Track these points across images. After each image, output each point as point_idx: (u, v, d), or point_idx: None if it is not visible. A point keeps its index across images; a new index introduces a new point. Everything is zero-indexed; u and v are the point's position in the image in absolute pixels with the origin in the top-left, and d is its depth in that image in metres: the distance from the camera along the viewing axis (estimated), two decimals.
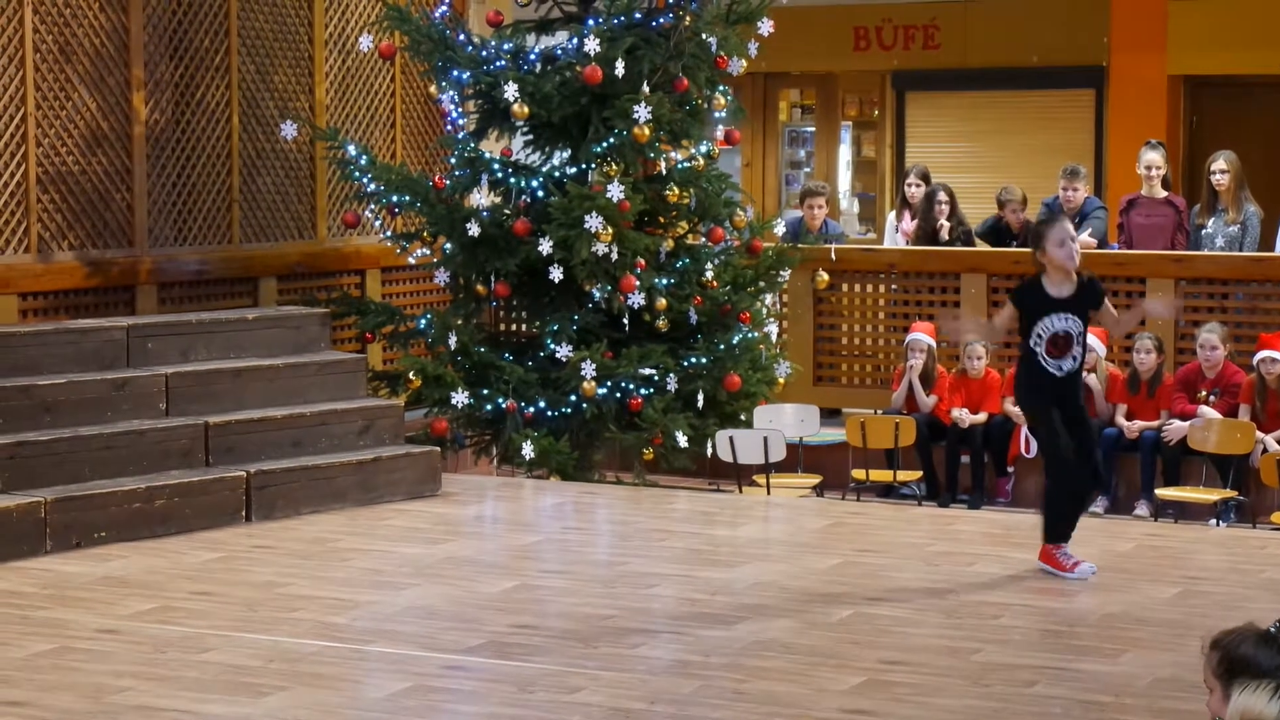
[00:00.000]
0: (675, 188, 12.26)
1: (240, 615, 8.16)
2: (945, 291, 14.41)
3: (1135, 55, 18.18)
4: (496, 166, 12.15)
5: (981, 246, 14.69)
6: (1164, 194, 14.19)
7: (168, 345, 10.93)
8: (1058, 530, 9.00)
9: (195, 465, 10.29)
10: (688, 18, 12.05)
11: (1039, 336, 8.88)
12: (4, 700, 6.82)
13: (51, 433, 9.90)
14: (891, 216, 15.90)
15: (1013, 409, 13.14)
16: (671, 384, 11.95)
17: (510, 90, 11.86)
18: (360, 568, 9.17)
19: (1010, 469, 13.43)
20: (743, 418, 12.52)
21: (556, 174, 12.14)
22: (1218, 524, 11.95)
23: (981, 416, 13.42)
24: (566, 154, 12.25)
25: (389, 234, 12.66)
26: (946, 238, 14.65)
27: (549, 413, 11.87)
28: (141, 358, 10.77)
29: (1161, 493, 12.54)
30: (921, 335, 13.68)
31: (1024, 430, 13.18)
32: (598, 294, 11.87)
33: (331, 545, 9.71)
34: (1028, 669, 7.35)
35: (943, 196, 14.80)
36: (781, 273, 12.79)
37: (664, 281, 12.04)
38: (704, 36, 12.12)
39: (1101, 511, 12.67)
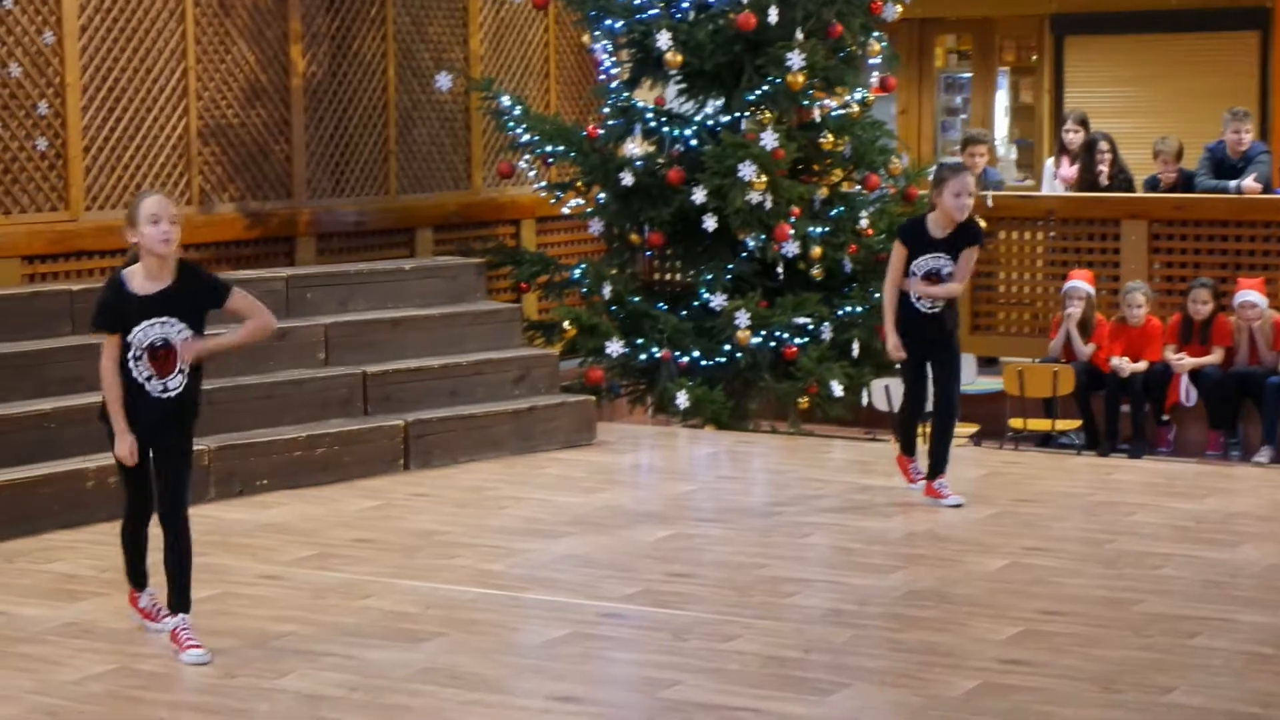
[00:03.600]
0: (830, 135, 12.17)
1: (398, 562, 8.24)
2: (1105, 239, 14.21)
3: None
4: (650, 115, 12.13)
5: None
6: None
7: (326, 295, 11.05)
8: (908, 443, 9.58)
9: (354, 414, 10.40)
10: None
11: (913, 274, 9.18)
12: (166, 645, 6.94)
13: (214, 382, 10.00)
14: (1050, 163, 15.68)
15: (1173, 356, 12.95)
16: (826, 333, 11.90)
17: (663, 38, 11.83)
18: (517, 516, 9.23)
19: (1166, 417, 13.24)
20: (898, 366, 12.42)
21: (710, 122, 12.10)
22: None
23: (1142, 364, 13.23)
24: (720, 102, 12.20)
25: (543, 184, 12.69)
26: (1106, 183, 14.44)
27: (703, 362, 11.86)
28: (301, 308, 10.89)
29: None
30: (1080, 283, 13.50)
31: (1184, 379, 13.00)
32: (752, 243, 11.83)
33: (488, 493, 9.78)
34: (1190, 620, 7.24)
35: (1104, 145, 14.58)
36: None
37: (818, 230, 11.97)
38: None
39: (1266, 461, 12.48)
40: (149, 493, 6.88)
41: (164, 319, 6.75)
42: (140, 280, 6.75)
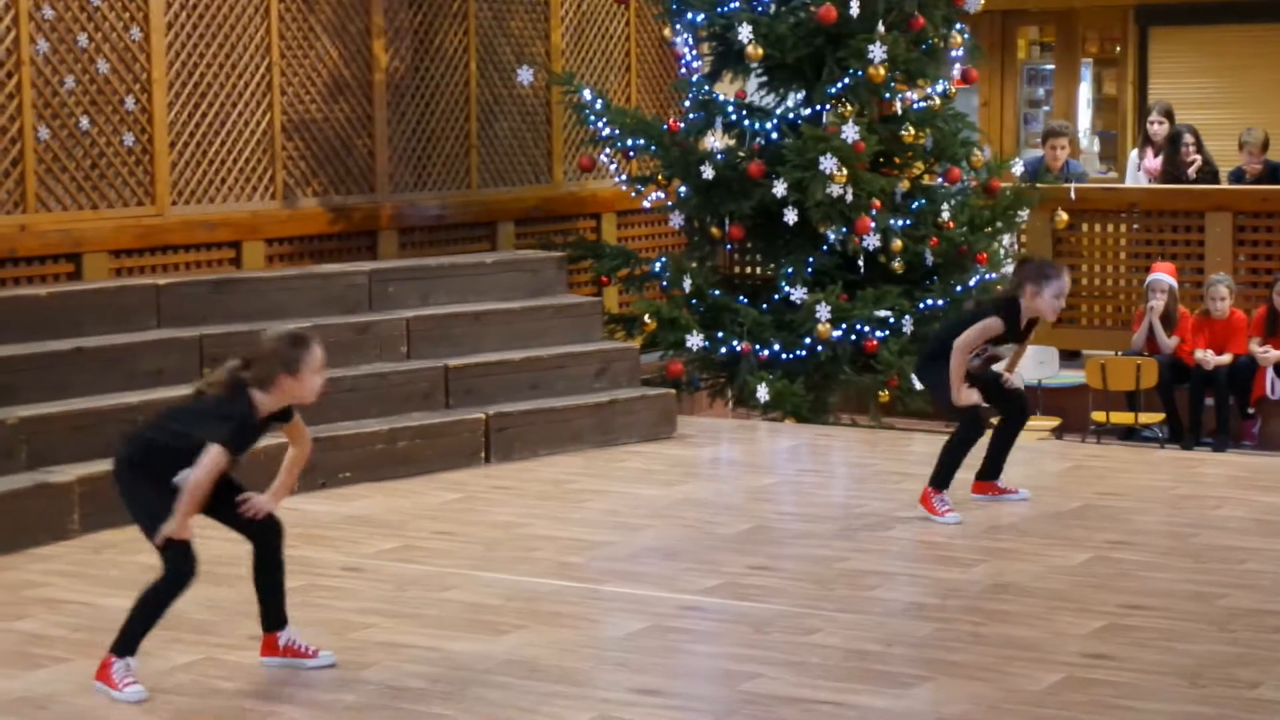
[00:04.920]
0: (911, 128, 12.12)
1: (480, 554, 8.28)
2: (1189, 230, 14.11)
3: None
4: (730, 109, 12.13)
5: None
6: None
7: (408, 289, 11.11)
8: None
9: (436, 407, 10.46)
10: None
11: (977, 355, 8.86)
12: (255, 634, 6.99)
13: None
14: (1134, 154, 15.59)
15: (1258, 349, 12.85)
16: (907, 326, 11.86)
17: (744, 32, 11.82)
18: (597, 509, 9.25)
19: (1251, 410, 13.14)
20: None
21: (791, 115, 12.09)
22: None
23: (1226, 358, 13.13)
24: (801, 95, 12.19)
25: (624, 178, 12.70)
26: (1193, 176, 14.34)
27: (784, 355, 11.85)
28: (383, 302, 10.95)
29: None
30: (1163, 275, 13.41)
31: (1269, 372, 12.89)
32: (832, 236, 11.81)
33: (569, 486, 9.81)
34: (1275, 615, 7.19)
35: (1189, 139, 14.48)
36: (1019, 213, 12.61)
37: (899, 223, 11.94)
38: None
39: None
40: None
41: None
42: (262, 410, 6.46)
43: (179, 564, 6.37)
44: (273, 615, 6.71)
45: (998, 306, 8.97)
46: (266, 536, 6.66)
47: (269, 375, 6.42)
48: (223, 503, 6.53)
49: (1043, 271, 8.87)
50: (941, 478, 8.92)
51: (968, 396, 8.78)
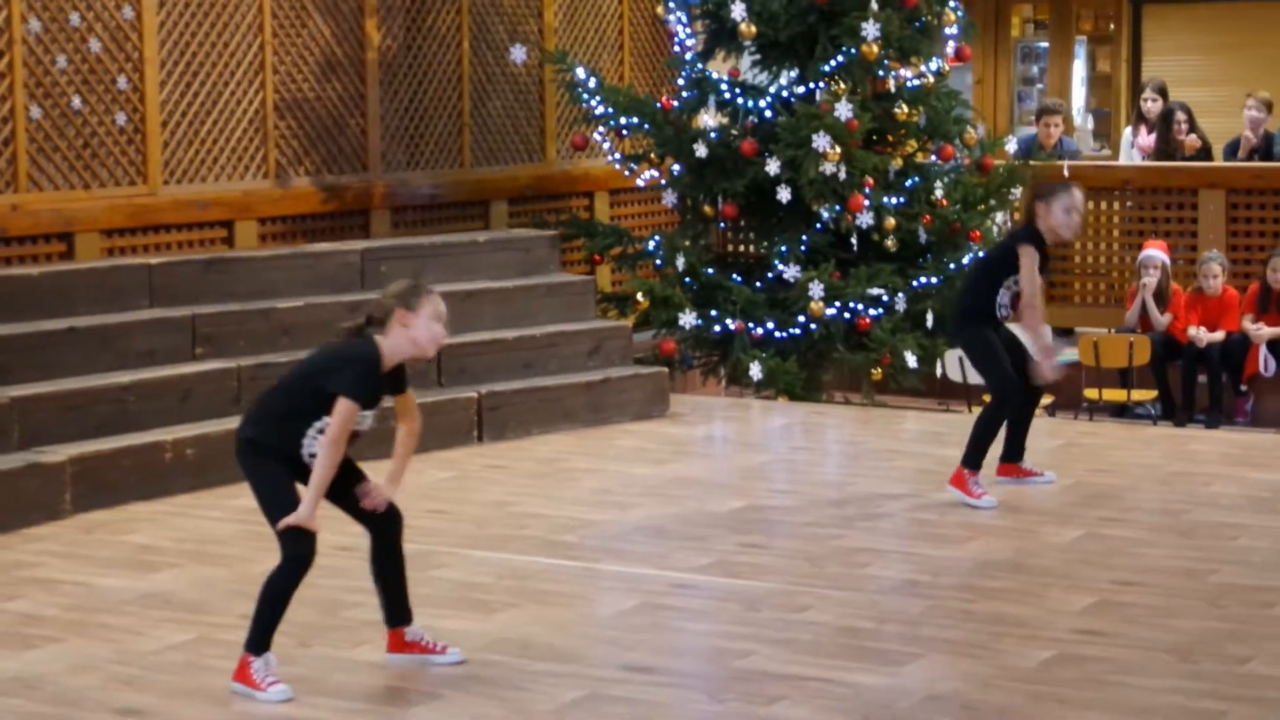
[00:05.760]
0: (904, 106, 12.12)
1: (472, 533, 8.29)
2: (1182, 208, 14.10)
3: None
4: (724, 87, 12.12)
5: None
6: None
7: (401, 268, 11.08)
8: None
9: (428, 386, 10.45)
10: None
11: (1008, 289, 8.72)
12: (247, 614, 6.97)
13: (290, 354, 10.09)
14: (1128, 132, 15.57)
15: (1251, 326, 12.85)
16: (900, 304, 11.86)
17: (738, 9, 11.81)
18: (589, 487, 9.26)
19: (1244, 387, 13.14)
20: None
21: (784, 93, 12.08)
22: None
23: (1219, 335, 13.13)
24: (794, 73, 12.18)
25: (617, 156, 12.69)
26: (1188, 154, 14.33)
27: (777, 333, 11.85)
28: (375, 280, 10.92)
29: None
30: (1156, 252, 13.41)
31: (1262, 349, 12.89)
32: (826, 214, 11.81)
33: (561, 465, 9.81)
34: (1266, 591, 7.20)
35: (1181, 115, 14.46)
36: (1013, 190, 12.61)
37: (893, 200, 11.94)
38: None
39: None
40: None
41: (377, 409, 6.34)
42: (385, 363, 6.24)
43: (298, 548, 6.16)
44: (397, 610, 6.48)
45: (1019, 237, 8.79)
46: (387, 526, 6.45)
47: (387, 313, 6.17)
48: (345, 489, 6.31)
49: (1048, 188, 8.81)
50: (975, 457, 8.68)
51: (1053, 353, 8.69)
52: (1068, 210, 8.69)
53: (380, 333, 6.23)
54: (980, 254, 9.21)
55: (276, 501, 6.19)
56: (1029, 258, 8.64)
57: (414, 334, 6.21)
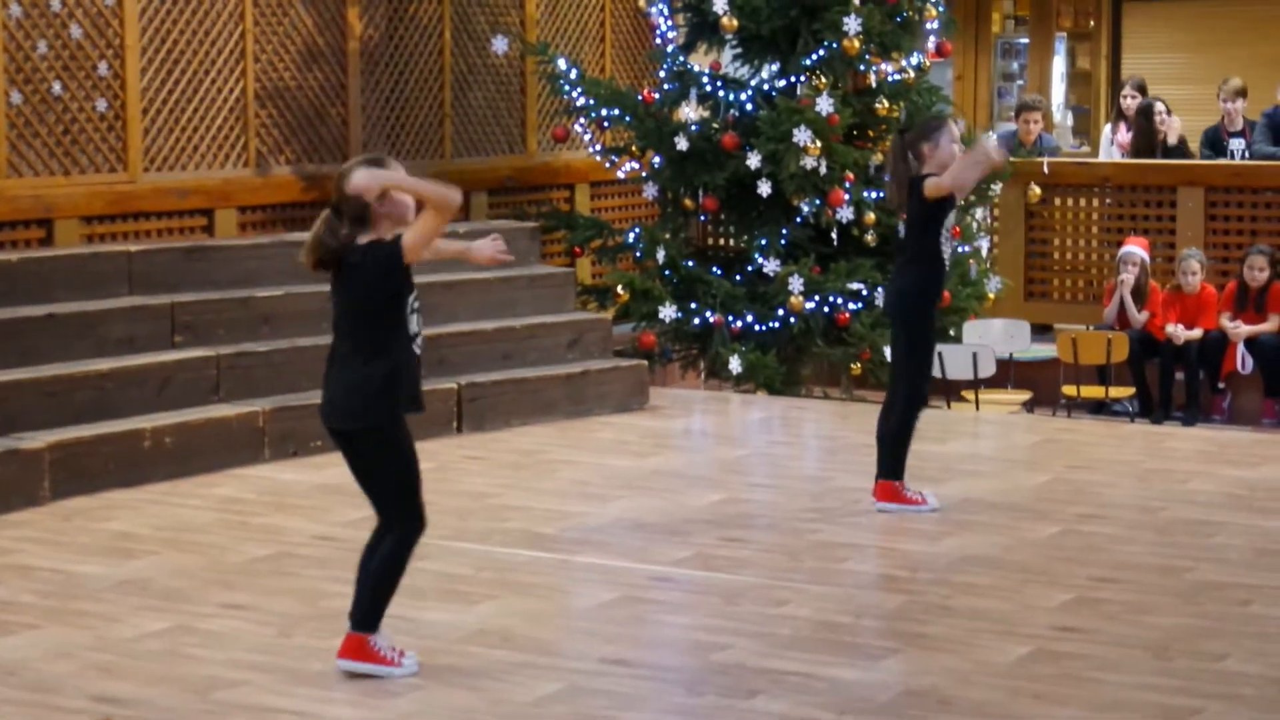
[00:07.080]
0: (885, 101, 12.14)
1: (452, 525, 8.28)
2: (1161, 205, 14.13)
3: None
4: (705, 80, 12.12)
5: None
6: None
7: None
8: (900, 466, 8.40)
9: None
10: None
11: (947, 230, 8.18)
12: (226, 603, 7.01)
13: (269, 343, 10.11)
14: (1107, 129, 15.60)
15: (1229, 324, 12.88)
16: (879, 299, 11.87)
17: (719, 3, 11.81)
18: (569, 479, 9.26)
19: (1221, 385, 13.18)
20: (952, 333, 12.42)
21: (765, 87, 12.09)
22: None
23: (1197, 332, 13.17)
24: (775, 67, 12.18)
25: (598, 148, 12.68)
26: (1174, 142, 14.35)
27: (756, 327, 11.86)
28: None
29: None
30: (1135, 249, 13.45)
31: (1239, 347, 12.94)
32: (806, 208, 11.82)
33: (541, 457, 9.81)
34: (1242, 588, 7.23)
35: (1160, 107, 14.50)
36: (993, 186, 12.64)
37: (873, 195, 11.95)
38: None
39: None
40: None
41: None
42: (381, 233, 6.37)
43: (411, 521, 6.24)
44: (366, 612, 6.29)
45: (915, 183, 8.15)
46: (402, 530, 6.30)
47: (359, 209, 6.34)
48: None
49: (924, 127, 8.30)
50: (896, 467, 8.42)
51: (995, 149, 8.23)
52: (954, 139, 8.18)
53: (365, 232, 6.37)
54: (899, 229, 8.69)
55: (409, 475, 6.26)
56: (931, 178, 8.08)
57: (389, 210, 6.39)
